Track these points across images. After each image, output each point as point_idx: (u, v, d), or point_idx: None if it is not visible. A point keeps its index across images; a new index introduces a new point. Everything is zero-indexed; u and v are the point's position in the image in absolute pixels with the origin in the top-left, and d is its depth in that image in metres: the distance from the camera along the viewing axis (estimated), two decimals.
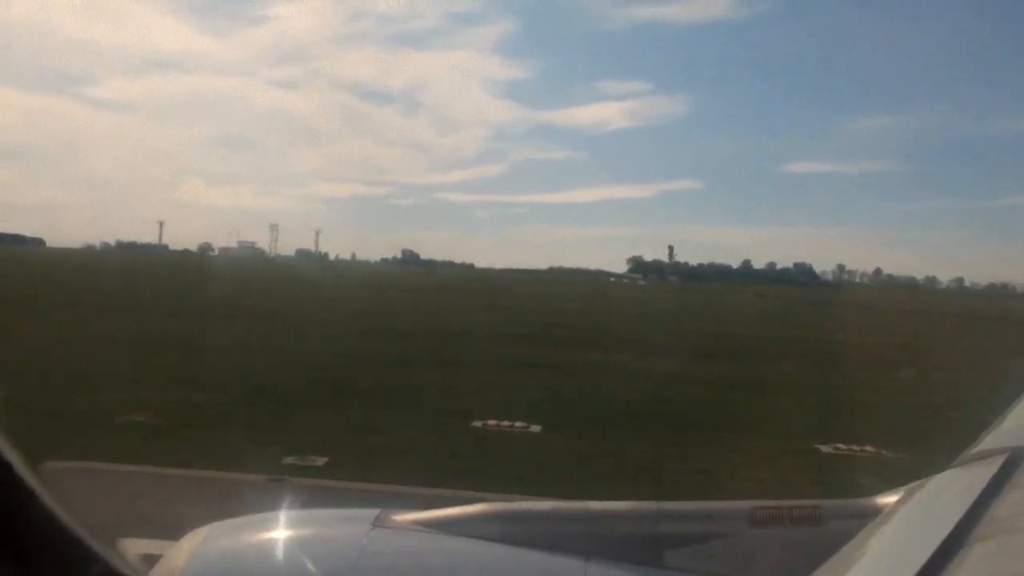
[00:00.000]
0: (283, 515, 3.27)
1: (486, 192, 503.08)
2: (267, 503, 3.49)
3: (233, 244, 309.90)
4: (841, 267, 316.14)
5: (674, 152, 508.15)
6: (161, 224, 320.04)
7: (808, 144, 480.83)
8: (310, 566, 2.85)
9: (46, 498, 1.32)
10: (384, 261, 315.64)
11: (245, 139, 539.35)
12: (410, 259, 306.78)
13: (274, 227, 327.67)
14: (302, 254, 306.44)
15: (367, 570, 2.93)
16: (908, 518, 2.32)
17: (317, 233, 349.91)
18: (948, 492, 2.31)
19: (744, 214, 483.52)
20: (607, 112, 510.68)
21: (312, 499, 8.89)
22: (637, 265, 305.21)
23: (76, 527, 1.34)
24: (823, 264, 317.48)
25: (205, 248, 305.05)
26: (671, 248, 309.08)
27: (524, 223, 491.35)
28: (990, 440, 2.60)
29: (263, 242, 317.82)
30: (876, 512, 2.71)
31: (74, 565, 1.33)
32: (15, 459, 1.31)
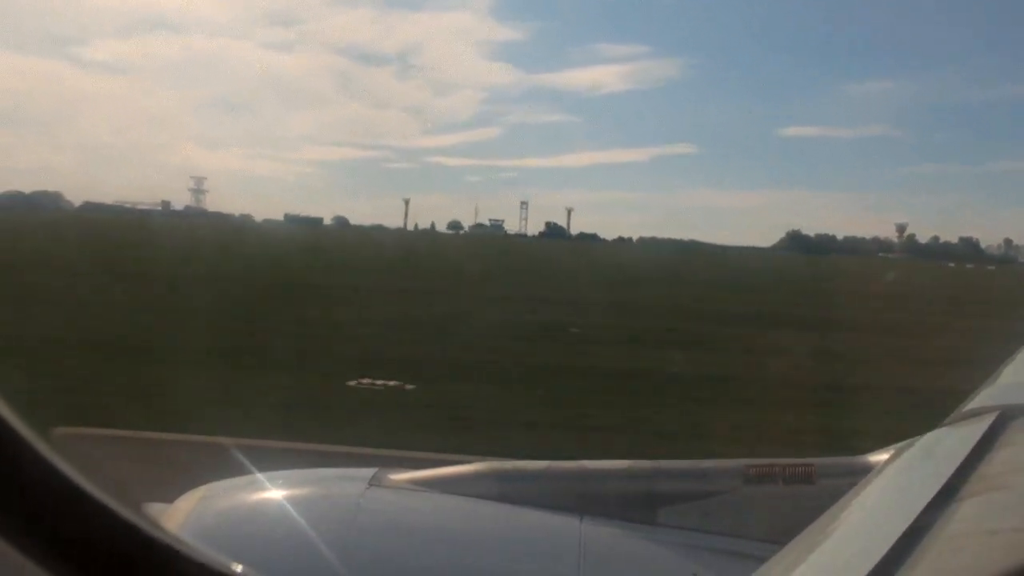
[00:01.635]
0: (279, 475, 3.29)
1: (480, 156, 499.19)
2: None
3: (484, 221, 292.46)
4: (1008, 242, 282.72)
5: (670, 116, 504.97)
6: (407, 202, 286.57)
7: (805, 108, 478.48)
8: (307, 525, 2.88)
9: (60, 464, 1.30)
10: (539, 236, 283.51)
11: (237, 102, 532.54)
12: (556, 233, 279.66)
13: (524, 205, 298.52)
14: (480, 227, 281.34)
15: (364, 528, 2.96)
16: (899, 475, 2.34)
17: (523, 205, 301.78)
18: (939, 450, 2.33)
19: (740, 178, 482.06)
20: (603, 75, 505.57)
21: None
22: (794, 240, 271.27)
23: (97, 491, 1.31)
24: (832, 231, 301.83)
25: (456, 226, 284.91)
26: (902, 226, 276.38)
27: (518, 187, 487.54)
28: (981, 398, 2.62)
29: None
30: (868, 470, 2.74)
31: (96, 529, 1.31)
32: (21, 427, 1.29)
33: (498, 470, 3.27)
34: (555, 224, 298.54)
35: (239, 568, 1.69)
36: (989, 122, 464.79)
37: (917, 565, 1.52)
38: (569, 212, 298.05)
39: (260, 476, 3.29)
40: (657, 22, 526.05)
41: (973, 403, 2.60)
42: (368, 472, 3.22)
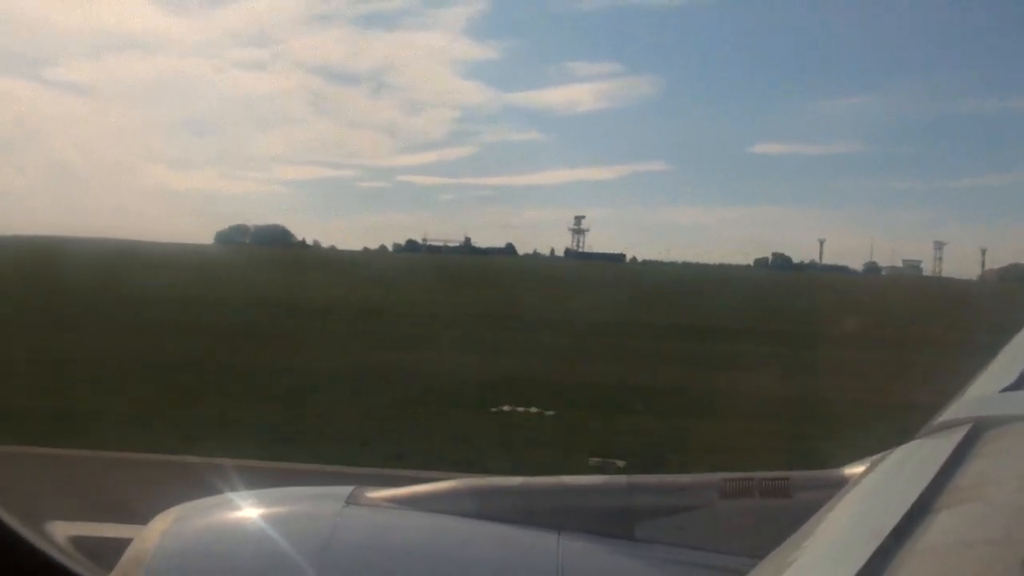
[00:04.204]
0: (254, 494, 3.26)
1: (454, 174, 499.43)
2: None
3: (896, 263, 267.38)
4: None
5: (644, 134, 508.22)
6: (822, 243, 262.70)
7: (776, 125, 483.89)
8: (283, 545, 2.85)
9: None
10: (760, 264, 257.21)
11: (208, 122, 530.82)
12: (783, 264, 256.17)
13: (939, 245, 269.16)
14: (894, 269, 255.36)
15: (341, 548, 2.93)
16: (873, 488, 2.35)
17: (937, 245, 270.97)
18: (913, 462, 2.35)
19: (713, 195, 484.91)
20: (577, 93, 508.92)
21: None
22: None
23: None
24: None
25: (872, 268, 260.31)
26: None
27: (491, 205, 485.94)
28: (954, 410, 2.64)
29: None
30: (843, 483, 2.75)
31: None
32: None
33: (475, 487, 3.26)
34: (781, 255, 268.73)
35: None
36: (957, 137, 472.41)
37: None
38: (940, 245, 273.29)
39: (234, 495, 3.25)
40: (630, 41, 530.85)
41: (946, 415, 2.62)
42: (345, 490, 3.19)
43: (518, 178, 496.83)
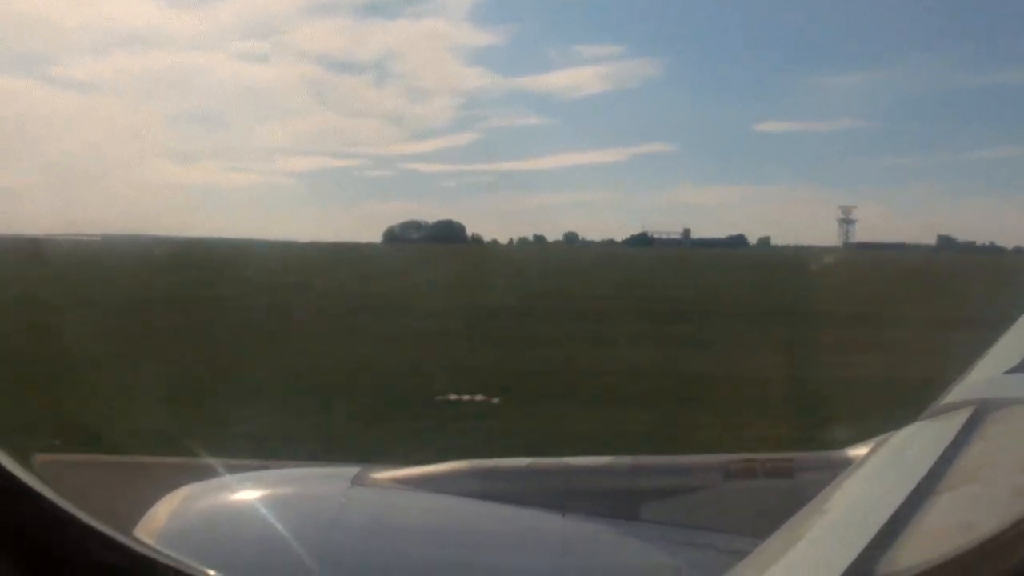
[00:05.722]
0: (262, 474, 3.28)
1: (458, 161, 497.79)
2: None
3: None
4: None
5: (648, 115, 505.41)
6: None
7: (780, 103, 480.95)
8: (290, 524, 2.86)
9: (41, 488, 1.28)
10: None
11: (212, 114, 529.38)
12: (947, 245, 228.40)
13: None
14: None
15: (347, 527, 2.95)
16: (877, 469, 2.36)
17: None
18: (917, 443, 2.36)
19: (718, 175, 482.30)
20: (580, 76, 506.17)
21: None
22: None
23: (77, 513, 1.29)
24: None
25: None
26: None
27: (497, 191, 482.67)
28: (958, 392, 2.65)
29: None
30: (847, 464, 2.76)
31: (79, 550, 1.28)
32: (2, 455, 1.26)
33: (480, 468, 3.27)
34: (946, 236, 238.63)
35: None
36: (960, 114, 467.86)
37: (896, 558, 1.54)
38: None
39: (242, 475, 3.27)
40: (633, 22, 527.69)
41: (949, 397, 2.62)
42: (351, 471, 3.21)
43: (523, 163, 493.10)
